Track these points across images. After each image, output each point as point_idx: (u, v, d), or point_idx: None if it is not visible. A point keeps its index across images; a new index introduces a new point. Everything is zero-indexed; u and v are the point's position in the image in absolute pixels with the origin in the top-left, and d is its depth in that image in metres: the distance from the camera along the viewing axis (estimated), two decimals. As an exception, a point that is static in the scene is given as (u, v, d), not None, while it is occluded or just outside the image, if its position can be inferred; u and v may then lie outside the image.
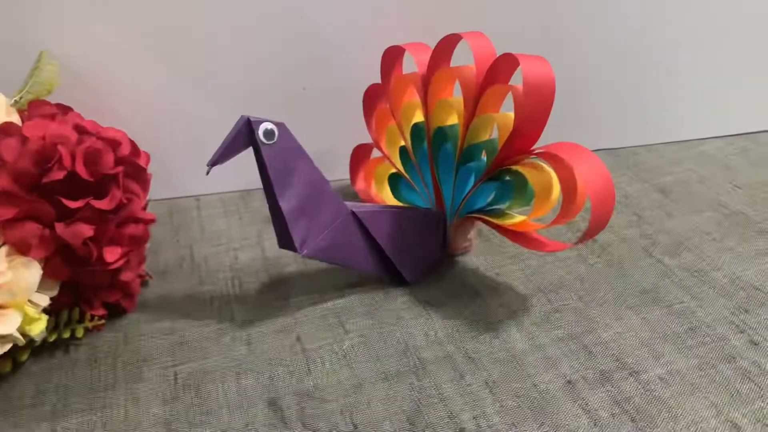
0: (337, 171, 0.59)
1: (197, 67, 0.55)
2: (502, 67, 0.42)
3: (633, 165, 0.63)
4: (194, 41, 0.53)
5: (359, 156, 0.56)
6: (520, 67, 0.39)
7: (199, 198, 0.60)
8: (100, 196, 0.40)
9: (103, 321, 0.44)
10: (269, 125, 0.39)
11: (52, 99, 0.48)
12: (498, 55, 0.42)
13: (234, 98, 0.56)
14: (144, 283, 0.49)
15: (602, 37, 0.60)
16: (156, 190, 0.57)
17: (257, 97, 0.57)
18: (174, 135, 0.57)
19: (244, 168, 0.44)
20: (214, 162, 0.38)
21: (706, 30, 0.61)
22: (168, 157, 0.58)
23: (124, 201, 0.41)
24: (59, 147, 0.39)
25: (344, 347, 0.42)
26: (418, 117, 0.49)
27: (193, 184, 0.60)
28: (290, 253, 0.49)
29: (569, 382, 0.38)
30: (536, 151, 0.41)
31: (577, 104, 0.61)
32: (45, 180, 0.38)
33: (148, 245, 0.52)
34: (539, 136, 0.41)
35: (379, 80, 0.51)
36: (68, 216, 0.39)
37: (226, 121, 0.40)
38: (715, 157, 0.63)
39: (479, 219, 0.46)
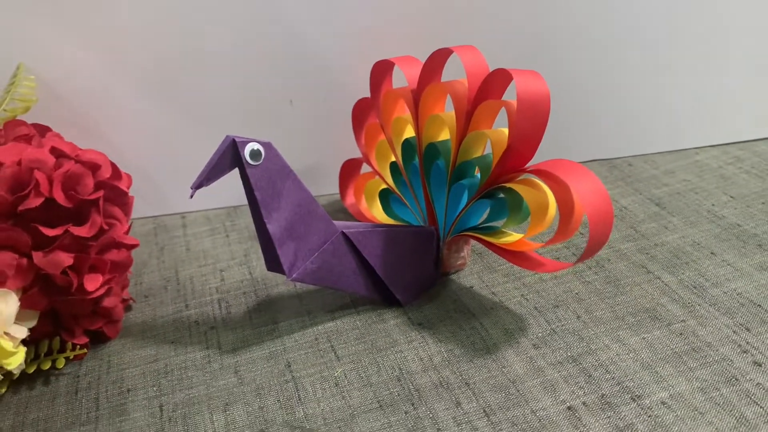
0: (326, 185, 0.59)
1: (181, 82, 0.54)
2: (494, 82, 0.41)
3: (628, 176, 0.62)
4: (177, 57, 0.53)
5: (349, 171, 0.56)
6: (513, 81, 0.38)
7: (185, 215, 0.59)
8: (79, 223, 0.39)
9: (84, 350, 0.42)
10: (255, 146, 0.38)
11: (30, 117, 0.46)
12: (491, 71, 0.41)
13: (219, 112, 0.56)
14: (127, 308, 0.47)
15: (595, 46, 0.59)
16: (141, 208, 0.57)
17: (243, 111, 0.56)
18: (158, 151, 0.56)
19: (230, 184, 0.42)
20: (199, 185, 0.37)
21: (701, 37, 0.61)
22: (153, 174, 0.57)
23: (105, 227, 0.40)
24: (36, 172, 0.37)
25: (336, 374, 0.40)
26: (409, 132, 0.49)
27: (179, 201, 0.59)
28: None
29: (570, 408, 0.37)
30: (530, 169, 0.40)
31: (571, 114, 0.60)
32: (21, 208, 0.37)
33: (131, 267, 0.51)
34: (534, 153, 0.40)
35: (368, 94, 0.50)
36: (46, 244, 0.38)
37: (211, 136, 0.39)
38: (709, 167, 0.62)
39: (473, 237, 0.44)
